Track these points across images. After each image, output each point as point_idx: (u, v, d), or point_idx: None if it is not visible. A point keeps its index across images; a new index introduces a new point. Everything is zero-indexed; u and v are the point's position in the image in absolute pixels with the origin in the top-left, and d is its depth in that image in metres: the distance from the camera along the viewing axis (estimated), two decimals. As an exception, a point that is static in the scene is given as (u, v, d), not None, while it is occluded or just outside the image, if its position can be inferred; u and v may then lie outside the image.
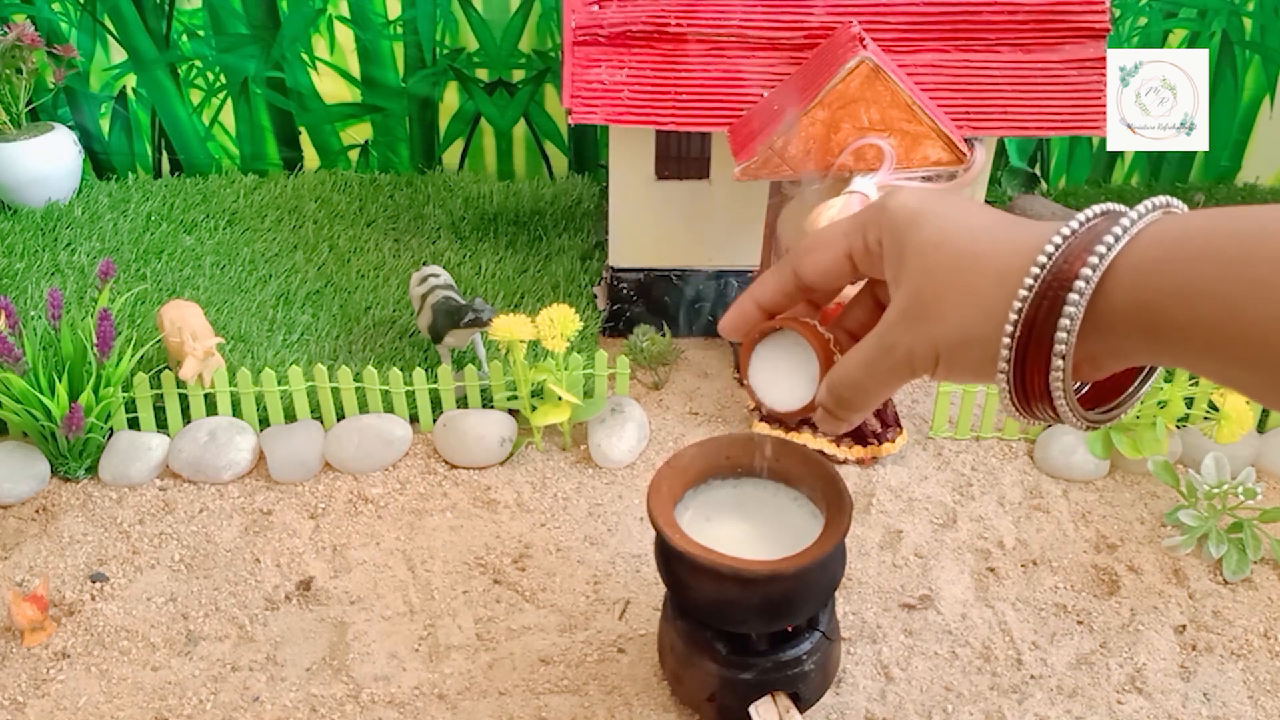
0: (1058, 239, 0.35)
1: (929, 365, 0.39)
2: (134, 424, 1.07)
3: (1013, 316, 0.36)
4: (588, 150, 1.60)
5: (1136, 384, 0.40)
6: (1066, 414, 0.37)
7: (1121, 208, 0.36)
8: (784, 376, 0.48)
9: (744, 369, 0.49)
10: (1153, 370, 0.40)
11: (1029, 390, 0.37)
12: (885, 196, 0.42)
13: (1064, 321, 0.34)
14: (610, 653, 0.85)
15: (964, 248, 0.37)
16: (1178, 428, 1.05)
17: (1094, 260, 0.34)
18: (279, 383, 1.06)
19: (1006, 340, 0.36)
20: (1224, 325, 0.31)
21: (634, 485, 1.03)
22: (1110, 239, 0.34)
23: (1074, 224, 0.35)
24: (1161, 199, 0.35)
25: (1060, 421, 0.38)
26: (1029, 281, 0.35)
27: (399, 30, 1.49)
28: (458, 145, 1.59)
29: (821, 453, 1.03)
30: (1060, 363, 0.35)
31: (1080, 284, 0.34)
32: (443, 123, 1.58)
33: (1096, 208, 0.36)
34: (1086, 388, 0.40)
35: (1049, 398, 0.36)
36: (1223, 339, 0.32)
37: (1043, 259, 0.35)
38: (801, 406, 0.47)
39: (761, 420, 1.07)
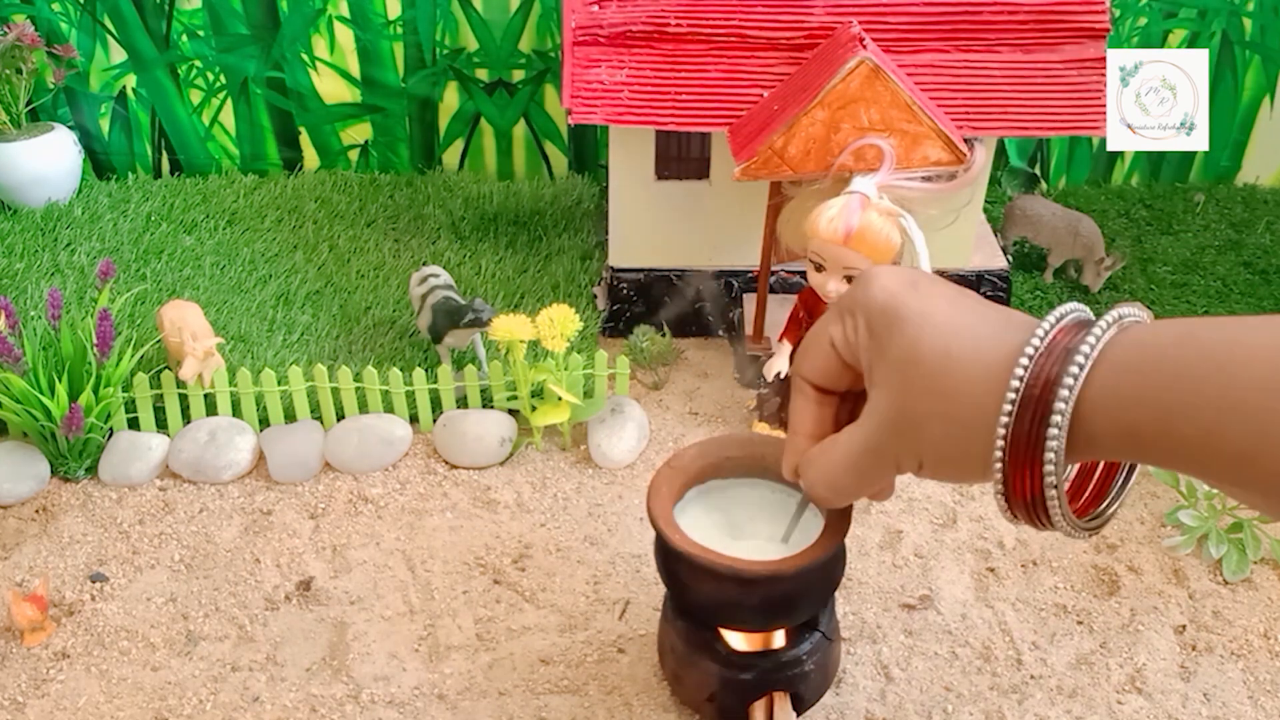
0: (1020, 371, 0.36)
1: (913, 470, 0.42)
2: (134, 424, 1.07)
3: (998, 455, 0.38)
4: (588, 150, 1.60)
5: (1122, 479, 0.42)
6: (1065, 529, 0.39)
7: (1077, 315, 0.38)
8: None
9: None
10: (1134, 469, 0.42)
11: (1028, 506, 0.39)
12: (863, 283, 0.43)
13: (1049, 455, 0.37)
14: (610, 653, 0.85)
15: (939, 370, 0.39)
16: (1178, 428, 1.05)
17: (1060, 405, 0.35)
18: (279, 383, 1.06)
19: (997, 470, 0.38)
20: (1207, 445, 0.32)
21: (634, 485, 1.03)
22: (1071, 379, 0.35)
23: (1029, 351, 0.37)
24: (1113, 313, 0.36)
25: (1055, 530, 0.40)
26: (1004, 419, 0.37)
27: (399, 30, 1.49)
28: (458, 145, 1.59)
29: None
30: (1055, 501, 0.38)
31: (1056, 418, 0.36)
32: (443, 123, 1.57)
33: (1046, 323, 0.37)
34: (1074, 470, 0.42)
35: (1045, 512, 0.39)
36: (1207, 457, 0.33)
37: (1011, 395, 0.36)
38: None
39: (761, 420, 1.07)
